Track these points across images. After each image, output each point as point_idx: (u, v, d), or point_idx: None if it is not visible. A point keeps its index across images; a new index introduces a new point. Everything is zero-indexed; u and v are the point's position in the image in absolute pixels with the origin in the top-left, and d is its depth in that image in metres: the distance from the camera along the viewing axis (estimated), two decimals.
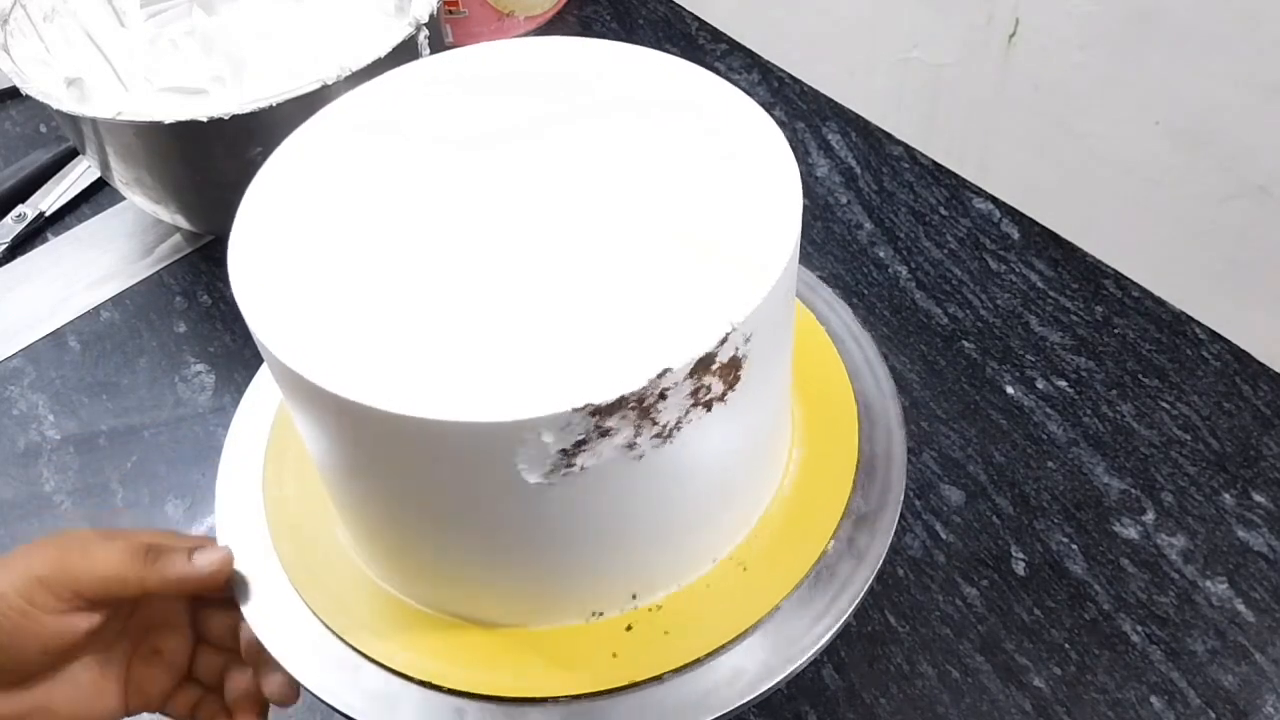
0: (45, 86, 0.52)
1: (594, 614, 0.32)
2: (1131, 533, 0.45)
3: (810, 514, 0.35)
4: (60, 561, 0.31)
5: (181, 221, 0.58)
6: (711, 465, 0.30)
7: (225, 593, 0.34)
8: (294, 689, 0.34)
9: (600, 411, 0.25)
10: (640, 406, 0.26)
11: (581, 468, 0.27)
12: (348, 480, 0.31)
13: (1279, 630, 0.42)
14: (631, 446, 0.27)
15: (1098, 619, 0.42)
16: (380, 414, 0.26)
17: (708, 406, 0.28)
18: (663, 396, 0.26)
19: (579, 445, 0.26)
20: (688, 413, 0.27)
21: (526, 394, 0.26)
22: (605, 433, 0.26)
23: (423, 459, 0.27)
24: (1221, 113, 0.47)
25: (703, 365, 0.27)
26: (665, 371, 0.26)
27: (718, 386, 0.28)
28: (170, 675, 0.35)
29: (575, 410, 0.25)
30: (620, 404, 0.26)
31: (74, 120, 0.51)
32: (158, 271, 0.61)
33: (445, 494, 0.28)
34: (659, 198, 0.30)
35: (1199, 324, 0.52)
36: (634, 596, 0.33)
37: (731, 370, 0.28)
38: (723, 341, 0.27)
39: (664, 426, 0.27)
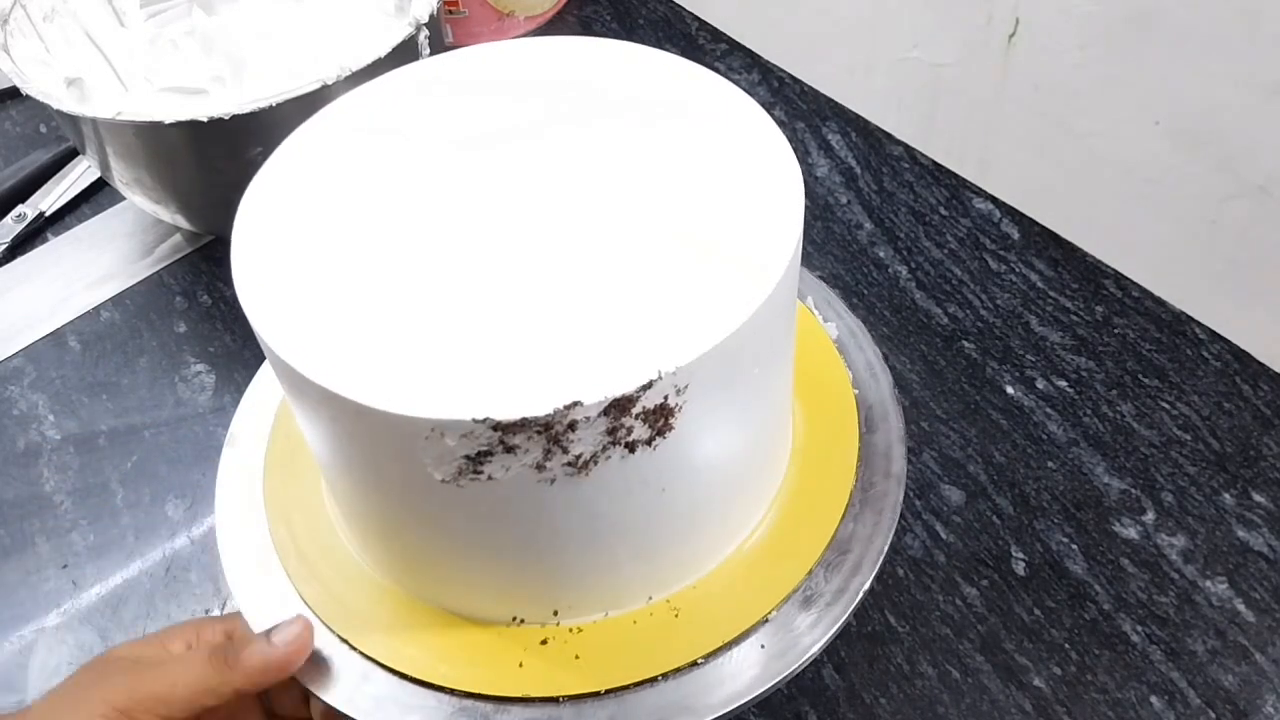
0: (45, 86, 0.52)
1: (603, 612, 0.32)
2: (1131, 533, 0.45)
3: (810, 514, 0.35)
4: (137, 688, 0.29)
5: (181, 221, 0.58)
6: (701, 473, 0.30)
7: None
8: None
9: (502, 428, 0.25)
10: (547, 432, 0.25)
11: (489, 477, 0.27)
12: (348, 477, 0.31)
13: (1279, 630, 0.42)
14: (541, 469, 0.26)
15: (1098, 619, 0.42)
16: (377, 412, 0.26)
17: (630, 448, 0.27)
18: (572, 428, 0.25)
19: (483, 455, 0.26)
20: (605, 450, 0.26)
21: (498, 394, 0.25)
22: (511, 449, 0.26)
23: (414, 455, 0.27)
24: (1221, 113, 0.47)
25: (619, 407, 0.25)
26: (575, 405, 0.25)
27: (641, 431, 0.26)
28: None
29: (477, 421, 0.25)
30: (524, 425, 0.25)
31: (74, 120, 0.51)
32: (158, 271, 0.61)
33: (434, 491, 0.28)
34: (659, 198, 0.30)
35: (1199, 324, 0.52)
36: (649, 597, 0.33)
37: (660, 417, 0.26)
38: (646, 387, 0.25)
39: (577, 458, 0.26)
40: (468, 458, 0.26)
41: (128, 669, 0.30)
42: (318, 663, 0.32)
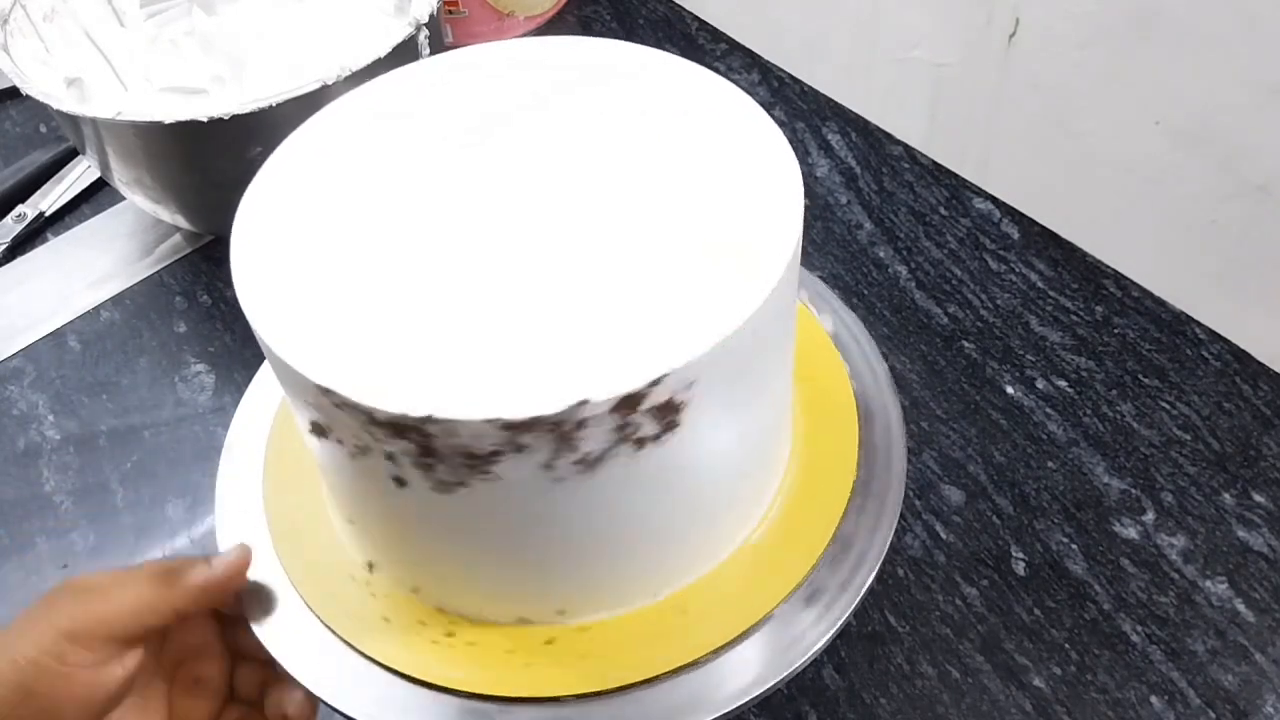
0: (45, 86, 0.52)
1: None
2: (1131, 533, 0.45)
3: (810, 514, 0.35)
4: (82, 610, 0.30)
5: (181, 221, 0.58)
6: (707, 469, 0.30)
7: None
8: (311, 706, 0.33)
9: (513, 427, 0.25)
10: (557, 430, 0.25)
11: (498, 477, 0.27)
12: (350, 479, 0.31)
13: (1279, 630, 0.42)
14: (549, 468, 0.26)
15: (1098, 619, 0.42)
16: (380, 413, 0.26)
17: (638, 445, 0.27)
18: (581, 426, 0.25)
19: (493, 455, 0.26)
20: (614, 447, 0.26)
21: (503, 393, 0.25)
22: (520, 448, 0.26)
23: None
24: (1221, 113, 0.47)
25: (627, 404, 0.25)
26: (584, 402, 0.25)
27: (650, 427, 0.27)
28: (213, 700, 0.34)
29: (487, 421, 0.25)
30: (534, 424, 0.25)
31: (74, 120, 0.51)
32: (158, 271, 0.61)
33: (437, 493, 0.28)
34: (659, 198, 0.30)
35: (1199, 324, 0.52)
36: (655, 594, 0.33)
37: (667, 413, 0.26)
38: (655, 383, 0.25)
39: (586, 456, 0.26)
40: (475, 457, 0.26)
41: (76, 595, 0.31)
42: (320, 666, 0.32)
